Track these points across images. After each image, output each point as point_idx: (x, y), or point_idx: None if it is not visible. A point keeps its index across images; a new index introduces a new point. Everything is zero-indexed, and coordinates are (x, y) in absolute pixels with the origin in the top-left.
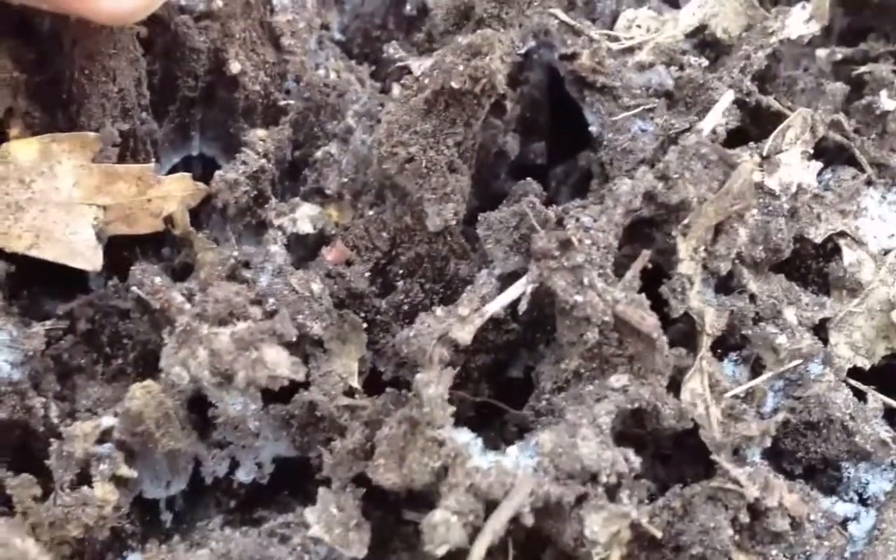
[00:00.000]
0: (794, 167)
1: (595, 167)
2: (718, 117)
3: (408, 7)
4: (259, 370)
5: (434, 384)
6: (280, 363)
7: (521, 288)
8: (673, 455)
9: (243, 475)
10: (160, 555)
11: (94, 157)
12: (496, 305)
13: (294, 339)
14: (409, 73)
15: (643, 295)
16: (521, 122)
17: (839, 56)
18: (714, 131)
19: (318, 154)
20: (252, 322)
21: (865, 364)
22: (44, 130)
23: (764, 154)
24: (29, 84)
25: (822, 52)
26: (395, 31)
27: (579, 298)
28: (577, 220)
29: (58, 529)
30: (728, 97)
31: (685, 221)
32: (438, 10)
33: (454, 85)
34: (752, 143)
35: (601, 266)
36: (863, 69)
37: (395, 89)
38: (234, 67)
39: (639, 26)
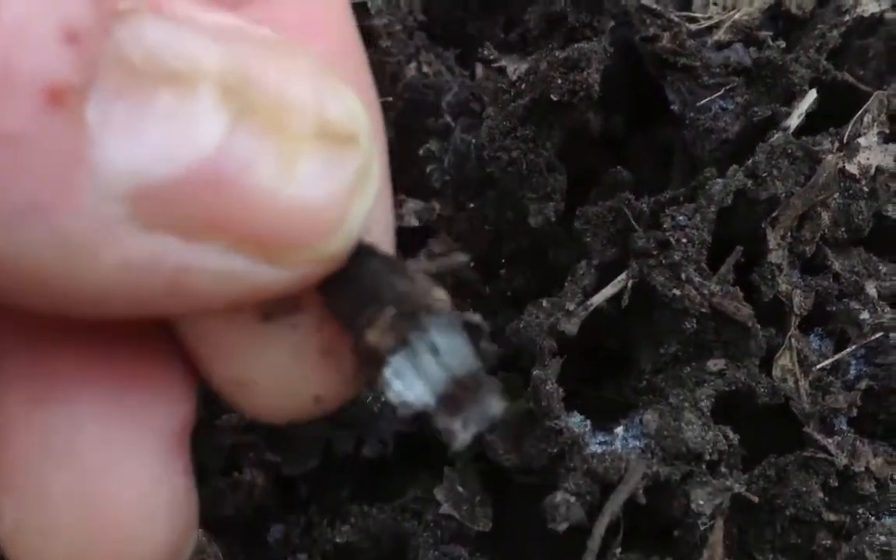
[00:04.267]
0: (873, 150)
1: (677, 144)
2: (802, 112)
3: None
4: None
5: (550, 380)
6: None
7: (622, 283)
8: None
9: (369, 451)
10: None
11: None
12: (600, 298)
13: None
14: (504, 73)
15: (737, 287)
16: (600, 98)
17: None
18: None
19: (421, 151)
20: None
21: None
22: None
23: (844, 140)
24: None
25: (891, 15)
26: (478, 11)
27: (677, 292)
28: (673, 218)
29: (212, 510)
30: (811, 96)
31: (774, 214)
32: (531, 15)
33: (553, 97)
34: (831, 129)
35: (696, 261)
36: None
37: (479, 70)
38: None
39: (715, 3)
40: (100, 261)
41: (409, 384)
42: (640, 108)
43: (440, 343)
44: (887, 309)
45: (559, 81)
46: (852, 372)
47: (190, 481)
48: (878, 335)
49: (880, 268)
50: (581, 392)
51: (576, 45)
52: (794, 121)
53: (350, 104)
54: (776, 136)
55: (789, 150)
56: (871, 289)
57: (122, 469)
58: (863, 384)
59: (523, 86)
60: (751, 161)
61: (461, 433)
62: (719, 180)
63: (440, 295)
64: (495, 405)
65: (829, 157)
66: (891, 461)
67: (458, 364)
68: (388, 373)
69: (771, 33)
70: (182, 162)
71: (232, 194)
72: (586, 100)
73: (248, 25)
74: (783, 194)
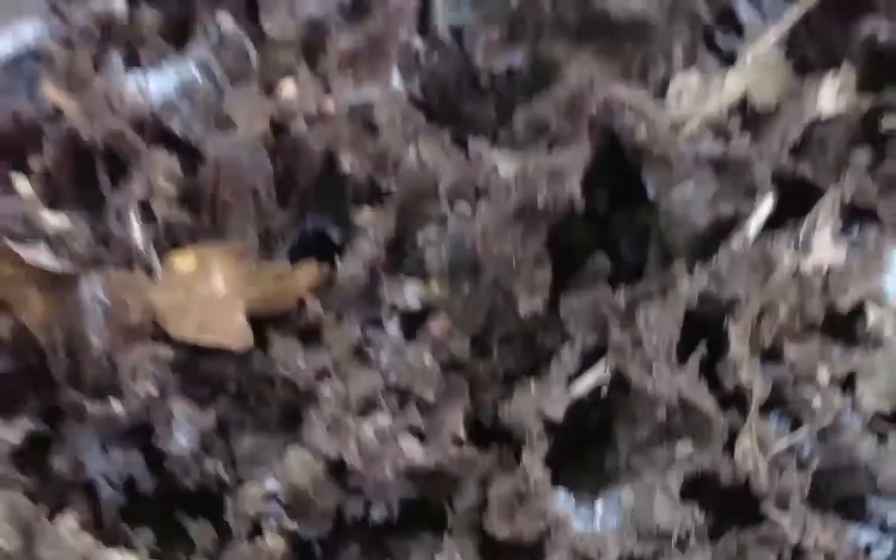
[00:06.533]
0: (826, 249)
1: (653, 230)
2: (761, 219)
3: (481, 81)
4: (399, 458)
5: (538, 464)
6: (415, 452)
7: (600, 373)
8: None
9: (376, 515)
10: None
11: (240, 259)
12: (582, 386)
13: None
14: (496, 171)
15: (703, 378)
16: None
17: (865, 108)
18: None
19: (419, 237)
20: (390, 415)
21: (887, 408)
22: (189, 233)
23: (800, 240)
24: (178, 193)
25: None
26: (471, 93)
27: (650, 384)
28: (646, 317)
29: None
30: (768, 202)
31: (735, 313)
32: (519, 120)
33: (539, 204)
34: (788, 226)
35: (667, 354)
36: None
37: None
38: (346, 166)
39: (687, 94)
40: None
41: None
42: (624, 183)
43: None
44: (838, 392)
45: (544, 190)
46: (806, 452)
47: None
48: (828, 418)
49: (832, 354)
50: (566, 463)
51: (557, 155)
52: (752, 228)
53: None
54: (736, 239)
55: (749, 254)
56: (823, 375)
57: None
58: (815, 463)
59: (513, 187)
60: (714, 263)
61: None
62: (686, 281)
63: None
64: None
65: (786, 259)
66: (839, 534)
67: None
68: None
69: (738, 126)
70: None
71: None
72: (570, 205)
73: None
74: (743, 295)
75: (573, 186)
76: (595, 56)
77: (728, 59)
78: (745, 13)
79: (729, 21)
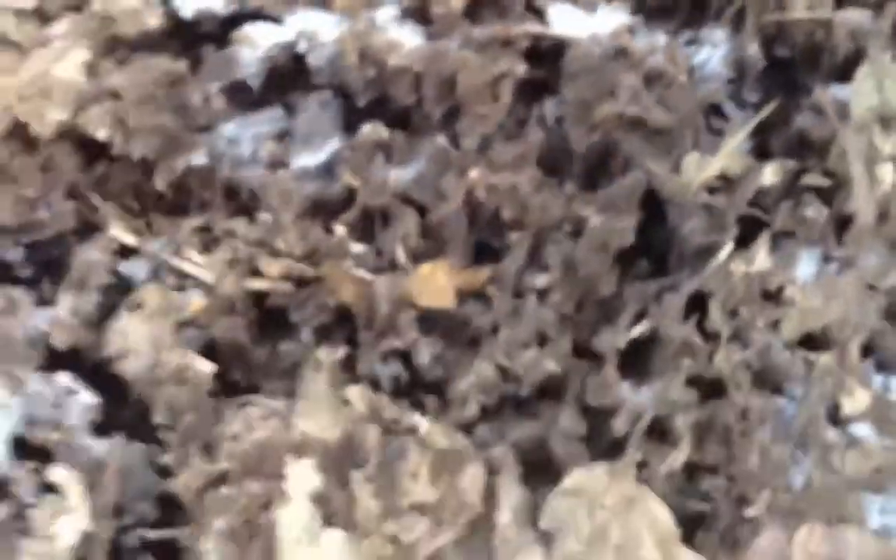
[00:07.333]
0: (763, 260)
1: (674, 242)
2: (729, 249)
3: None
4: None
5: (612, 370)
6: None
7: (643, 326)
8: None
9: None
10: None
11: (452, 267)
12: (634, 332)
13: None
14: (588, 221)
15: (695, 329)
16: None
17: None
18: None
19: (546, 253)
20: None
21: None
22: (427, 254)
23: (749, 258)
24: (420, 233)
25: None
26: (568, 158)
27: (670, 332)
28: (667, 300)
29: None
30: (732, 238)
31: (714, 297)
32: (601, 197)
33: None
34: (743, 249)
35: (678, 317)
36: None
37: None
38: (506, 214)
39: (692, 167)
40: None
41: None
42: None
43: None
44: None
45: (615, 239)
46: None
47: None
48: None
49: (766, 311)
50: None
51: (622, 219)
52: (723, 254)
53: None
54: (715, 260)
55: (721, 269)
56: (760, 322)
57: None
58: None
59: (598, 232)
60: (704, 273)
61: None
62: (688, 282)
63: None
64: None
65: (741, 269)
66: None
67: None
68: None
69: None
70: None
71: None
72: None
73: None
74: (717, 288)
75: (629, 237)
76: (642, 140)
77: (718, 134)
78: (729, 109)
79: (720, 113)
